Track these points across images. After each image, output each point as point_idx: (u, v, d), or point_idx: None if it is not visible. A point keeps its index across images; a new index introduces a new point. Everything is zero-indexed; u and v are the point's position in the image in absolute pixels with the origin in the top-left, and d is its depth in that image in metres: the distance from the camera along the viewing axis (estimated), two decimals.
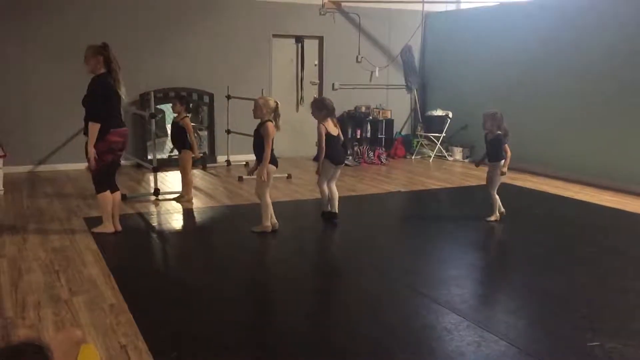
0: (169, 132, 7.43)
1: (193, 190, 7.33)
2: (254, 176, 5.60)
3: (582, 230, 5.98)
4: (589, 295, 4.13)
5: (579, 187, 7.91)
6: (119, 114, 5.29)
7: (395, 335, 3.54)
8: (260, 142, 5.28)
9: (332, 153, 5.74)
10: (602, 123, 8.02)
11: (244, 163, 9.43)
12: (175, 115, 6.78)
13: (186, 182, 6.78)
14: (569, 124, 8.53)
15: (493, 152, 6.01)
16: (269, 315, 3.85)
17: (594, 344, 3.35)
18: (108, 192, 5.30)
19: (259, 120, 5.36)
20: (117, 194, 5.46)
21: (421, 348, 3.31)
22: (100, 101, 5.04)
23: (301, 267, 4.82)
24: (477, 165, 6.38)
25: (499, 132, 5.93)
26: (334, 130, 5.76)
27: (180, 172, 6.80)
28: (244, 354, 3.23)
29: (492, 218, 6.05)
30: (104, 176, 5.26)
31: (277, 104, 5.35)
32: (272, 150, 5.29)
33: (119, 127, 5.21)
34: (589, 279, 4.47)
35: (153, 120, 6.91)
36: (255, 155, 5.42)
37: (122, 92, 5.20)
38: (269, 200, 5.41)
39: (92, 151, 5.04)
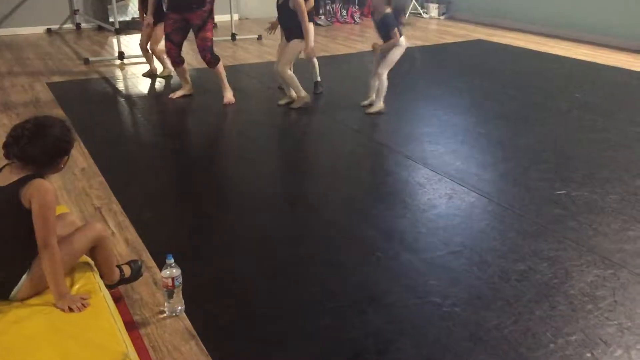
0: None
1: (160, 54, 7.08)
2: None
3: (556, 84, 5.95)
4: (559, 148, 4.18)
5: (555, 42, 7.79)
6: None
7: (369, 190, 3.59)
8: (289, 15, 4.73)
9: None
10: None
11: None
12: None
13: (159, 54, 5.97)
14: None
15: (383, 35, 4.78)
16: (238, 173, 3.85)
17: (561, 192, 3.44)
18: None
19: None
20: None
21: (394, 202, 3.37)
22: None
23: (272, 127, 4.77)
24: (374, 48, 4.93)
25: (388, 9, 4.65)
26: None
27: (152, 45, 5.86)
28: (217, 207, 3.26)
29: (376, 109, 4.90)
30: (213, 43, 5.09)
31: None
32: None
33: None
34: (560, 132, 4.52)
35: None
36: (284, 29, 4.97)
37: None
38: (290, 73, 4.97)
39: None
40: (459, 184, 3.56)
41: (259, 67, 6.53)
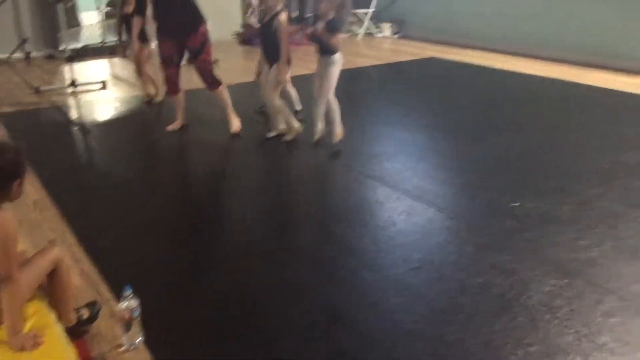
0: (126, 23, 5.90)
1: (114, 80, 7.02)
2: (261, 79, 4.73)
3: (508, 98, 6.10)
4: (513, 161, 4.28)
5: (506, 57, 7.99)
6: None
7: (329, 209, 3.60)
8: (272, 39, 4.44)
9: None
10: None
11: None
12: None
13: (148, 77, 5.95)
14: None
15: (323, 44, 4.34)
16: (196, 198, 3.81)
17: (515, 204, 3.51)
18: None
19: None
20: None
21: (354, 221, 3.39)
22: None
23: (229, 151, 4.75)
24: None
25: (333, 17, 4.20)
26: None
27: (142, 68, 5.84)
28: (176, 238, 3.22)
29: (339, 136, 4.53)
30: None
31: None
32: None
33: None
34: (513, 145, 4.61)
35: (60, 5, 6.37)
36: (266, 55, 4.60)
37: None
38: (280, 102, 4.70)
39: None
40: (417, 201, 3.60)
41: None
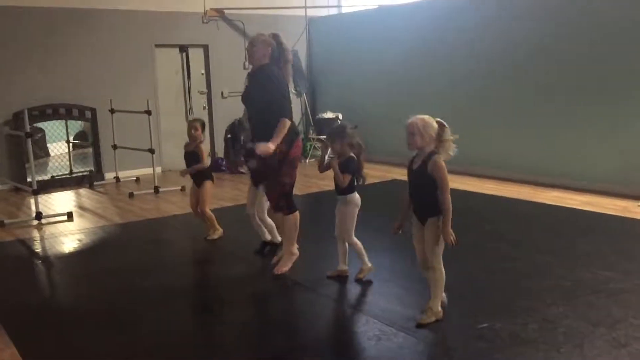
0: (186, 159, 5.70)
1: (80, 211, 7.03)
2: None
3: (466, 218, 6.26)
4: (475, 281, 4.35)
5: (463, 178, 8.31)
6: None
7: (297, 336, 3.56)
8: (424, 183, 3.55)
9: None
10: (482, 116, 8.51)
11: (134, 178, 9.11)
12: (189, 142, 5.61)
13: (209, 216, 5.67)
14: (452, 118, 8.94)
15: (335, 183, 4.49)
16: (165, 336, 3.73)
17: (483, 325, 3.53)
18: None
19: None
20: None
21: (322, 348, 3.35)
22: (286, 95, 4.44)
23: (199, 282, 4.71)
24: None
25: (352, 153, 4.37)
26: None
27: (201, 207, 5.60)
28: None
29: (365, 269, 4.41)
30: (291, 190, 4.53)
31: (441, 123, 3.70)
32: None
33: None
34: (474, 265, 4.70)
35: (29, 140, 6.51)
36: (415, 202, 3.69)
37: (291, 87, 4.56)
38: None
39: (271, 146, 4.25)
40: (386, 324, 3.59)
41: (184, 218, 6.55)
